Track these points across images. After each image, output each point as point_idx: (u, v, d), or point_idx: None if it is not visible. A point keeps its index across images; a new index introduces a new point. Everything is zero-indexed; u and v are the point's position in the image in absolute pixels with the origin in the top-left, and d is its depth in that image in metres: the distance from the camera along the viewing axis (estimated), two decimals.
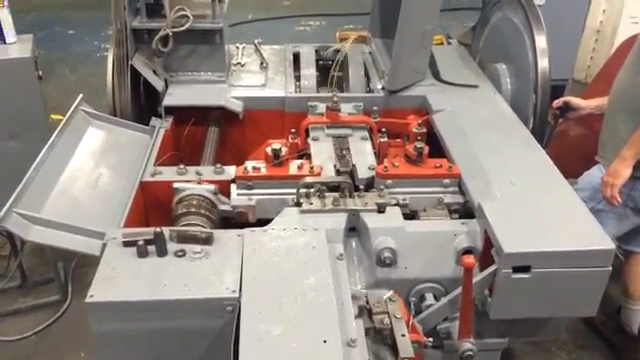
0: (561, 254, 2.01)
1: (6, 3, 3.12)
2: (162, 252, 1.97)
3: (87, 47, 7.19)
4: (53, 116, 4.30)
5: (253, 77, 3.29)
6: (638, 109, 2.71)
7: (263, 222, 2.28)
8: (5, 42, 3.16)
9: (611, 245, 2.03)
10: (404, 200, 2.39)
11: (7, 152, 3.12)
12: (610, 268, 2.03)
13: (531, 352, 3.28)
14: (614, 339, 3.30)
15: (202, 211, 2.33)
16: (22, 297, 3.61)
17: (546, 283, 2.03)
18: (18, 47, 3.16)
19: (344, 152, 2.72)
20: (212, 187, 2.41)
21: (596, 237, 2.07)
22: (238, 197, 2.44)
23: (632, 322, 3.16)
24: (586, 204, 2.30)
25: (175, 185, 2.41)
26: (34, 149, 2.44)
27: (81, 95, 2.80)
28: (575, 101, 3.12)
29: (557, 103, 3.11)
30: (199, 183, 2.43)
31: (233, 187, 2.46)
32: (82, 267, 3.70)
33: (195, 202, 2.36)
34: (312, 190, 2.32)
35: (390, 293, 2.05)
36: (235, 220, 2.43)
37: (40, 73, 3.17)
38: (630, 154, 2.67)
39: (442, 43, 5.68)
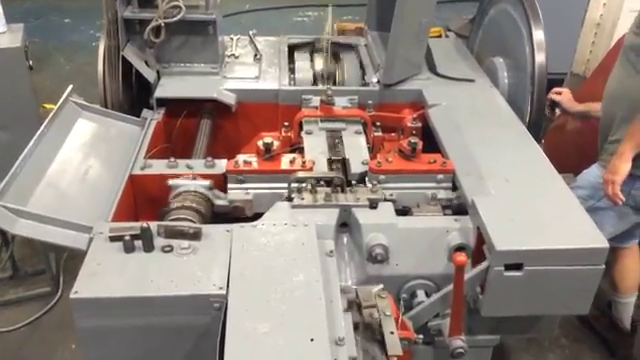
0: (554, 252, 1.99)
1: None
2: (149, 247, 1.94)
3: (83, 36, 7.12)
4: (47, 105, 4.26)
5: (247, 69, 3.24)
6: (633, 111, 2.67)
7: (254, 216, 2.25)
8: None
9: (605, 244, 2.01)
10: (391, 195, 2.35)
11: None
12: (603, 266, 2.02)
13: (525, 348, 3.27)
14: (607, 335, 3.29)
15: (193, 205, 2.29)
16: (13, 288, 3.58)
17: (538, 281, 2.01)
18: (8, 37, 3.12)
19: (337, 146, 2.69)
20: (207, 183, 2.38)
21: (590, 235, 2.05)
22: (235, 191, 2.41)
23: (623, 316, 3.15)
24: (585, 202, 2.28)
25: (170, 182, 2.38)
26: (24, 140, 2.41)
27: (71, 86, 2.76)
28: (565, 102, 3.10)
29: (548, 99, 3.09)
30: (194, 178, 2.40)
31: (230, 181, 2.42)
32: (73, 258, 3.67)
33: (190, 197, 2.32)
34: (304, 185, 2.29)
35: (379, 287, 2.02)
36: (229, 215, 2.40)
37: (31, 63, 3.13)
38: (627, 148, 2.63)
39: (440, 35, 5.64)
